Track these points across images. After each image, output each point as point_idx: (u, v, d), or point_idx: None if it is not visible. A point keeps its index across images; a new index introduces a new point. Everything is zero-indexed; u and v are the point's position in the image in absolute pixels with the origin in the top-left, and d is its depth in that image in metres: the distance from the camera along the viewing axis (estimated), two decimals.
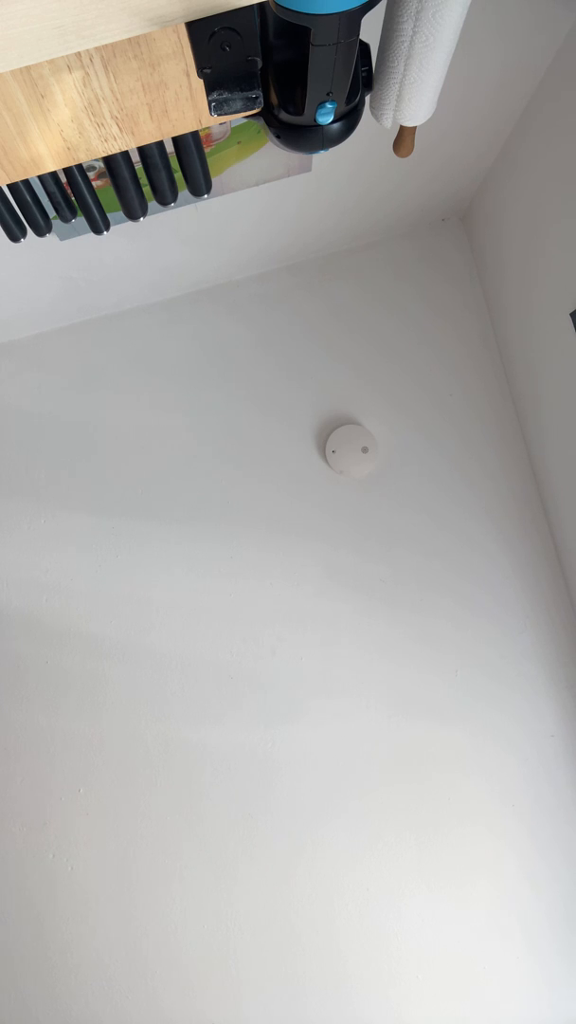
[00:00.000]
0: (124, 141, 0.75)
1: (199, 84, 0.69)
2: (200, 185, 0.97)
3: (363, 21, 0.62)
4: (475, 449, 1.80)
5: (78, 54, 0.63)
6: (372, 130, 1.25)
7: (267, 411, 1.85)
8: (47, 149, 0.74)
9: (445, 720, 1.72)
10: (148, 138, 0.76)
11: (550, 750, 1.70)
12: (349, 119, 0.77)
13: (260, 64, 0.67)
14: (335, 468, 1.80)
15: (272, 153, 1.33)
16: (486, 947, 1.66)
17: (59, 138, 0.73)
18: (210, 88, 0.68)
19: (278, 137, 0.77)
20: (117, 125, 0.72)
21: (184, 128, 0.75)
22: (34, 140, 0.72)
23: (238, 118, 0.75)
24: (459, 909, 1.68)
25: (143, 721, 1.77)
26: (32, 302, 1.74)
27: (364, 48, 0.75)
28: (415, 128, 0.88)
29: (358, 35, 0.63)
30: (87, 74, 0.65)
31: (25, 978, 1.74)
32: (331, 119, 0.73)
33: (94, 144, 0.75)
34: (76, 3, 0.54)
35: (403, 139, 0.91)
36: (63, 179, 0.96)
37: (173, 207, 1.06)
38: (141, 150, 0.89)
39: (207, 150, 1.27)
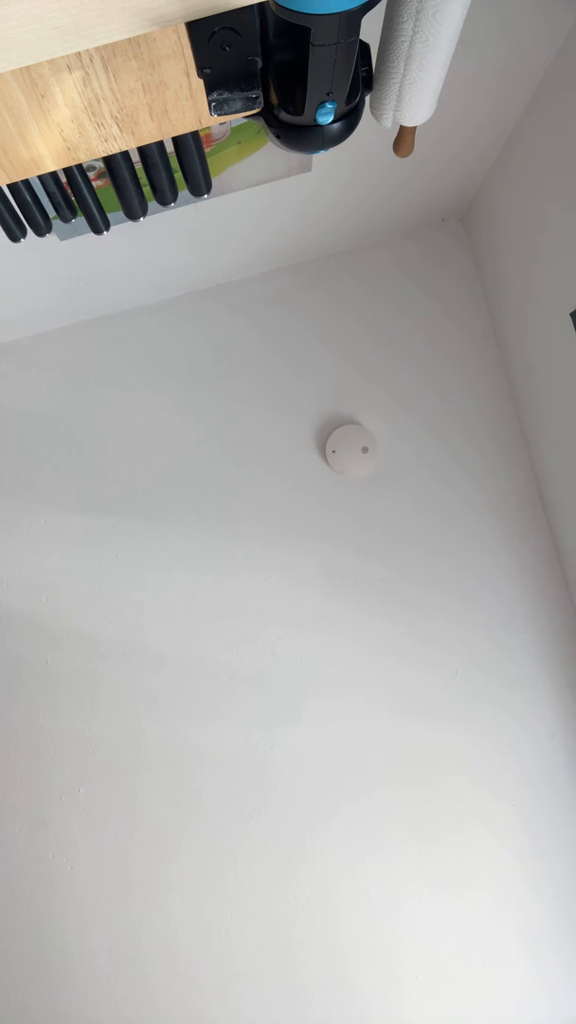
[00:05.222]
0: (124, 141, 0.75)
1: (199, 84, 0.69)
2: (200, 185, 0.97)
3: (363, 21, 0.62)
4: (475, 449, 1.80)
5: (78, 54, 0.63)
6: (372, 130, 1.25)
7: (267, 411, 1.85)
8: (47, 149, 0.74)
9: (445, 719, 1.72)
10: (148, 138, 0.76)
11: (550, 750, 1.70)
12: (349, 119, 0.77)
13: (260, 64, 0.67)
14: (335, 468, 1.80)
15: (272, 153, 1.33)
16: (486, 947, 1.66)
17: (59, 138, 0.73)
18: (210, 88, 0.68)
19: (278, 137, 0.77)
20: (117, 125, 0.72)
21: (184, 128, 0.75)
22: (34, 140, 0.72)
23: (238, 118, 0.75)
24: (459, 908, 1.67)
25: (143, 721, 1.77)
26: (32, 302, 1.74)
27: (364, 48, 0.75)
28: (415, 128, 0.88)
29: (358, 35, 0.63)
30: (87, 74, 0.65)
31: (24, 978, 1.74)
32: (331, 119, 0.73)
33: (94, 144, 0.75)
34: (76, 3, 0.54)
35: (403, 139, 0.91)
36: (63, 179, 0.96)
37: (173, 207, 1.06)
38: (141, 150, 0.89)
39: (207, 150, 1.27)
